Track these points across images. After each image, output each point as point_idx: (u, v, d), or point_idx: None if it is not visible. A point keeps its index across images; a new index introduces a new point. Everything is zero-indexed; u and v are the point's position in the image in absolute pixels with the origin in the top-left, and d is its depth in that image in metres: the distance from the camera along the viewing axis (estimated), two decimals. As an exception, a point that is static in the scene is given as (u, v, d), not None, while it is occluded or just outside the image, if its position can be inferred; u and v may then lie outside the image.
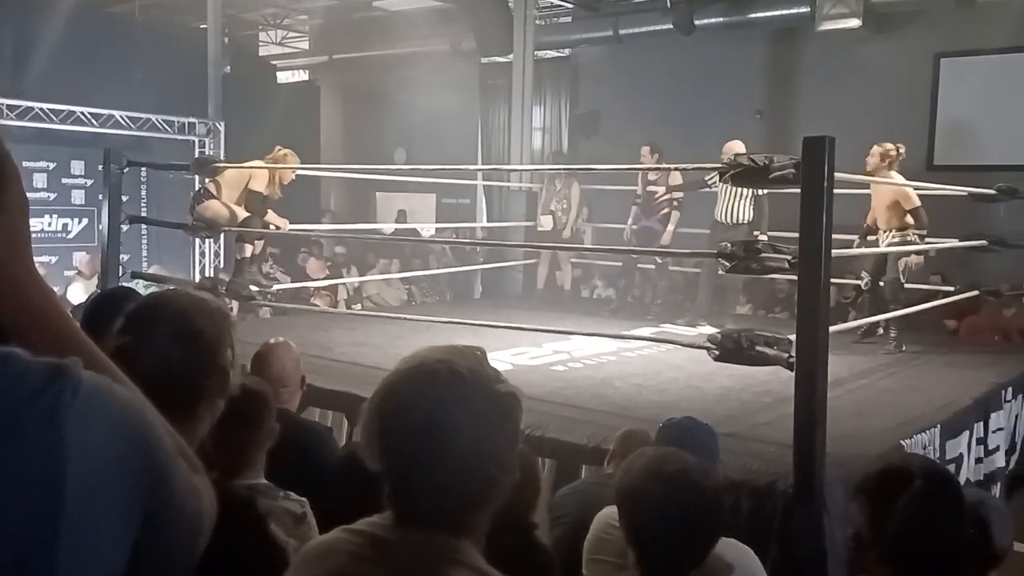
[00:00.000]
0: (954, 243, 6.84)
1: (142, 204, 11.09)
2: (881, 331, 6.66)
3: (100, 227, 6.18)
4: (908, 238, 6.45)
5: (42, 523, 0.72)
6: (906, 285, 6.69)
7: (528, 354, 5.82)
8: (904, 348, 6.47)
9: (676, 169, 7.44)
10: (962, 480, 4.36)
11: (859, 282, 6.98)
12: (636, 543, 1.89)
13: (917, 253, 6.62)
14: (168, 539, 0.84)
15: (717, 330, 4.08)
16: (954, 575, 1.64)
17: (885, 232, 6.59)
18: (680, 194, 7.89)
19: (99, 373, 0.82)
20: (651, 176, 7.96)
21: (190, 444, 1.36)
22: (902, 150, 6.53)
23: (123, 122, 10.38)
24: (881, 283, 6.63)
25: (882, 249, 6.53)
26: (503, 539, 2.18)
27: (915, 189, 6.57)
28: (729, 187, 7.07)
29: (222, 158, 9.84)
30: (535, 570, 2.19)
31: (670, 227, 7.86)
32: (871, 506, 1.64)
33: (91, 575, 0.75)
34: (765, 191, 7.06)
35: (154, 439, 0.83)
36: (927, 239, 6.64)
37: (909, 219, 6.44)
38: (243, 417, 2.38)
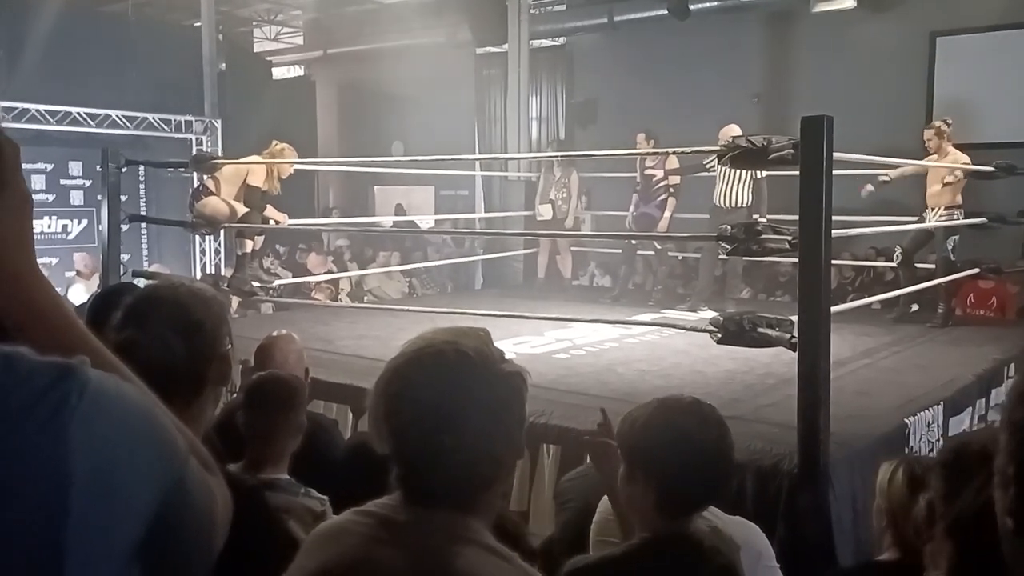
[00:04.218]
0: (954, 221, 6.84)
1: (141, 203, 11.09)
2: (916, 307, 6.86)
3: (100, 227, 6.18)
4: (954, 216, 6.58)
5: (48, 528, 0.69)
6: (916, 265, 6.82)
7: (530, 343, 5.82)
8: (951, 323, 6.72)
9: (673, 153, 7.43)
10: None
11: (844, 263, 7.12)
12: (650, 476, 1.84)
13: (951, 231, 6.76)
14: (182, 542, 0.82)
15: (719, 314, 4.09)
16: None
17: (932, 210, 6.68)
18: (677, 180, 7.88)
19: (107, 372, 0.79)
20: (648, 162, 7.96)
21: (197, 433, 1.36)
22: (950, 121, 6.73)
23: (120, 122, 10.37)
24: (918, 264, 6.83)
25: (880, 229, 6.57)
26: None
27: (912, 167, 6.60)
28: (728, 171, 7.07)
29: (220, 155, 9.84)
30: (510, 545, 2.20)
31: (667, 214, 7.86)
32: (946, 480, 1.64)
33: None
34: (764, 174, 7.06)
35: (165, 440, 0.81)
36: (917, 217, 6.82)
37: (958, 198, 6.56)
38: (274, 406, 2.40)
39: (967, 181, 6.79)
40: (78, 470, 0.71)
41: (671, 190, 7.89)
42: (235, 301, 6.91)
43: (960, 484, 1.59)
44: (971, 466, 1.60)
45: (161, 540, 0.77)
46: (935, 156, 6.71)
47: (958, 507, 1.56)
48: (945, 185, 6.61)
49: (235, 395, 2.86)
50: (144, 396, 0.83)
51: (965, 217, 6.79)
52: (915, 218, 6.89)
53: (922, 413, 4.21)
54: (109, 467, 0.73)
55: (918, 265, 7.04)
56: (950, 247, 6.73)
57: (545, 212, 8.75)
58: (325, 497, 2.41)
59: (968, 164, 6.62)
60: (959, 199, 6.69)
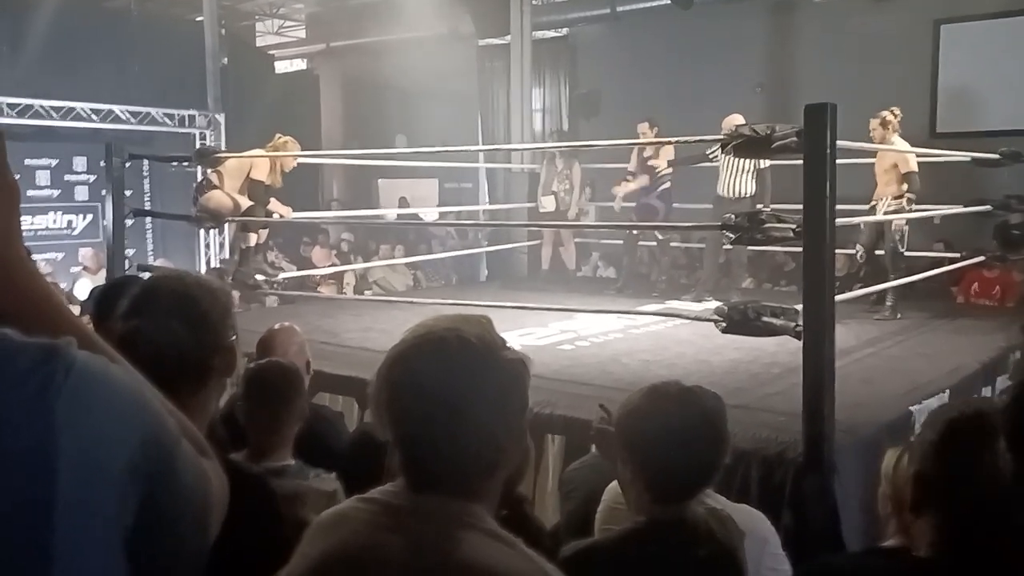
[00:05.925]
0: (958, 209, 6.82)
1: (146, 198, 11.11)
2: (875, 298, 6.63)
3: (104, 222, 6.20)
4: (903, 205, 6.48)
5: (34, 509, 0.70)
6: (906, 253, 6.71)
7: (535, 334, 5.82)
8: (900, 316, 6.47)
9: (677, 143, 7.39)
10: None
11: (852, 252, 7.00)
12: (640, 463, 1.87)
13: (917, 218, 6.64)
14: (174, 522, 0.82)
15: (723, 303, 4.08)
16: (995, 525, 1.63)
17: (881, 200, 6.61)
18: (668, 170, 7.86)
19: (95, 354, 0.80)
20: (647, 152, 7.93)
21: (201, 423, 1.37)
22: (897, 111, 6.58)
23: (123, 117, 10.38)
24: (877, 252, 6.67)
25: (882, 217, 6.52)
26: (500, 510, 2.20)
27: (918, 156, 6.56)
28: (731, 161, 7.05)
29: (223, 149, 9.84)
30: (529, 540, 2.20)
31: (664, 166, 7.80)
32: (922, 459, 1.67)
33: (88, 561, 0.73)
34: (767, 164, 7.05)
35: (154, 421, 0.81)
36: (925, 206, 6.69)
37: (905, 185, 6.47)
38: (273, 394, 2.41)
39: (968, 169, 6.75)
40: (64, 449, 0.71)
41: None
42: (237, 295, 6.92)
43: (939, 456, 1.61)
44: (945, 444, 1.62)
45: (151, 519, 0.78)
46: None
47: (930, 483, 1.58)
48: (891, 173, 6.53)
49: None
50: (132, 378, 0.83)
51: (966, 205, 6.76)
52: (923, 208, 6.82)
53: (927, 401, 4.19)
54: (95, 446, 0.74)
55: (924, 254, 7.00)
56: (897, 237, 6.57)
57: (548, 204, 8.74)
58: (333, 474, 2.41)
59: (913, 151, 6.51)
60: (906, 185, 6.50)
